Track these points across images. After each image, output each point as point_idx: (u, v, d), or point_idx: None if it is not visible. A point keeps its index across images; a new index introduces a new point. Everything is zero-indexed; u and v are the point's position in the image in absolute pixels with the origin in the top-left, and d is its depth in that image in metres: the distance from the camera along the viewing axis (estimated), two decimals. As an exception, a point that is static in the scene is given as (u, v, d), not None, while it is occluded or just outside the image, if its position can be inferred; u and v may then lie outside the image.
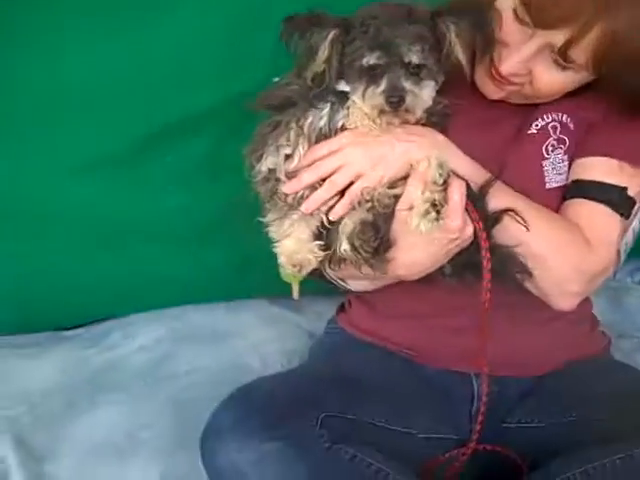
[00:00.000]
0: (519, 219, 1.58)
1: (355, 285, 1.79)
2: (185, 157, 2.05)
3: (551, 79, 1.64)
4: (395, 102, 1.50)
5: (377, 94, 1.51)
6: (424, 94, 1.55)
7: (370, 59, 1.51)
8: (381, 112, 1.53)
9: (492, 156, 1.69)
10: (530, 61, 1.61)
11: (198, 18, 1.87)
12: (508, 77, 1.64)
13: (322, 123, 1.60)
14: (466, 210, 1.51)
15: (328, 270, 1.67)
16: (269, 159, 1.59)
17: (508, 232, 1.60)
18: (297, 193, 1.60)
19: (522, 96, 1.71)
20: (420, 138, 1.59)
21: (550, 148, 1.74)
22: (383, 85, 1.51)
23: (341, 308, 2.06)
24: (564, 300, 1.69)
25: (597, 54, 1.57)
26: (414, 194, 1.49)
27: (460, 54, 1.55)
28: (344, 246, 1.59)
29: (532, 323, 1.79)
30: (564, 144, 1.75)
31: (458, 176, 1.54)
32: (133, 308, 2.36)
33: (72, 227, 2.10)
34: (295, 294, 1.80)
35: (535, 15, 1.57)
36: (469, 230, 1.53)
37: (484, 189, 1.59)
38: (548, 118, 1.75)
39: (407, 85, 1.51)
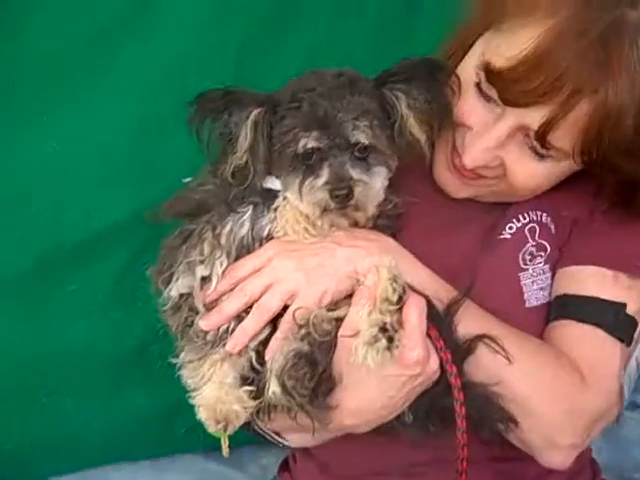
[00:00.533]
0: (498, 348, 1.30)
1: (294, 440, 1.48)
2: (90, 283, 1.80)
3: (528, 172, 1.37)
4: (343, 196, 1.24)
5: (318, 188, 1.26)
6: (376, 184, 1.29)
7: (307, 142, 1.26)
8: (324, 211, 1.27)
9: (457, 268, 1.42)
10: (500, 149, 1.35)
11: (105, 121, 1.70)
12: (475, 170, 1.38)
13: (244, 231, 1.34)
14: (428, 336, 1.23)
15: (257, 420, 1.40)
16: (180, 281, 1.35)
17: (483, 366, 1.31)
18: (219, 327, 1.34)
19: (493, 194, 1.45)
20: (367, 243, 1.32)
21: (528, 257, 1.46)
22: (325, 175, 1.25)
23: (284, 465, 1.75)
24: (555, 455, 1.37)
25: (586, 137, 1.26)
26: (359, 315, 1.20)
27: (416, 129, 1.31)
28: (273, 388, 1.29)
29: (520, 482, 1.49)
30: (544, 251, 1.47)
31: (416, 292, 1.25)
32: (41, 473, 2.01)
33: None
34: (225, 451, 1.49)
35: (503, 90, 1.29)
36: (433, 363, 1.24)
37: (451, 309, 1.31)
38: (525, 219, 1.47)
39: (354, 174, 1.25)
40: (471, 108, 1.36)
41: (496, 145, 1.34)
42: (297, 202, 1.29)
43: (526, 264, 1.45)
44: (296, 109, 1.26)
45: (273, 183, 1.33)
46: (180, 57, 1.69)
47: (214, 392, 1.33)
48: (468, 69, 1.36)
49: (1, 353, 1.80)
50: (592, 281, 1.41)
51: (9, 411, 1.86)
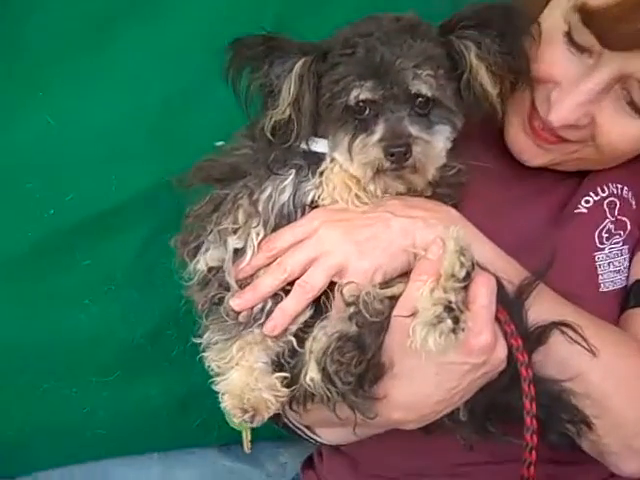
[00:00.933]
0: (578, 338, 1.15)
1: (328, 435, 1.36)
2: (107, 260, 1.67)
3: (621, 131, 1.24)
4: (400, 154, 1.10)
5: (372, 145, 1.12)
6: (438, 143, 1.15)
7: (360, 92, 1.12)
8: (377, 173, 1.13)
9: (526, 245, 1.29)
10: (593, 104, 1.22)
11: (127, 94, 1.59)
12: (560, 131, 1.25)
13: (284, 197, 1.20)
14: (497, 320, 1.09)
15: (289, 412, 1.27)
16: (210, 253, 1.22)
17: (557, 358, 1.17)
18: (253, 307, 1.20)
19: (574, 161, 1.33)
20: (425, 213, 1.18)
21: (605, 235, 1.35)
22: (380, 131, 1.12)
23: (309, 463, 1.63)
24: (631, 461, 1.23)
25: None
26: (419, 293, 1.05)
27: (487, 83, 1.16)
28: (312, 373, 1.15)
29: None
30: (624, 229, 1.35)
31: (484, 269, 1.10)
32: (38, 464, 1.90)
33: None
34: (246, 445, 1.41)
35: (604, 32, 1.15)
36: (501, 351, 1.10)
37: (523, 291, 1.16)
38: (604, 192, 1.36)
39: (414, 130, 1.12)
40: (559, 60, 1.23)
41: (589, 99, 1.21)
42: (347, 163, 1.15)
43: (602, 243, 1.34)
44: (349, 55, 1.13)
45: (318, 145, 1.20)
46: (210, 29, 1.56)
47: (242, 378, 1.20)
48: (554, 17, 1.23)
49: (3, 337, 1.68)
50: None
51: (10, 398, 1.74)
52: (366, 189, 1.17)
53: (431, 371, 1.10)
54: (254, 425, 1.20)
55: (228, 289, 1.21)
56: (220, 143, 1.31)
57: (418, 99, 1.12)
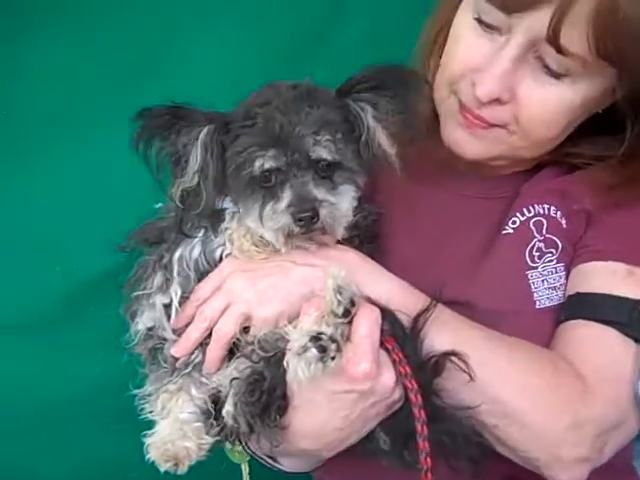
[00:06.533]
0: (463, 366, 1.14)
1: (286, 462, 1.37)
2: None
3: (542, 98, 1.25)
4: (308, 219, 1.14)
5: (280, 212, 1.16)
6: (343, 204, 1.18)
7: (264, 162, 1.15)
8: (289, 236, 1.17)
9: (462, 271, 1.33)
10: (512, 75, 1.24)
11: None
12: (487, 111, 1.28)
13: (195, 254, 1.26)
14: (386, 350, 1.13)
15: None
16: (145, 315, 1.28)
17: (465, 383, 1.16)
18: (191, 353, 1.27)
19: (507, 152, 1.34)
20: (327, 261, 1.20)
21: (536, 254, 1.34)
22: (287, 197, 1.15)
23: None
24: (562, 471, 1.21)
25: (596, 24, 1.14)
26: (292, 327, 1.14)
27: (385, 143, 1.20)
28: (228, 406, 1.21)
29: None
30: (555, 247, 1.35)
31: (374, 304, 1.15)
32: None
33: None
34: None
35: None
36: (388, 379, 1.13)
37: (418, 320, 1.18)
38: (529, 212, 1.36)
39: (319, 193, 1.15)
40: (473, 45, 1.27)
41: (507, 69, 1.23)
42: (259, 230, 1.20)
43: (535, 262, 1.33)
44: (250, 126, 1.17)
45: (226, 203, 1.25)
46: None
47: (167, 429, 1.25)
48: (463, 13, 1.29)
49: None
50: (604, 277, 1.29)
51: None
52: (258, 244, 1.22)
53: (323, 400, 1.14)
54: (180, 472, 1.23)
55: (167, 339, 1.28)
56: (159, 205, 1.34)
57: (320, 163, 1.15)
